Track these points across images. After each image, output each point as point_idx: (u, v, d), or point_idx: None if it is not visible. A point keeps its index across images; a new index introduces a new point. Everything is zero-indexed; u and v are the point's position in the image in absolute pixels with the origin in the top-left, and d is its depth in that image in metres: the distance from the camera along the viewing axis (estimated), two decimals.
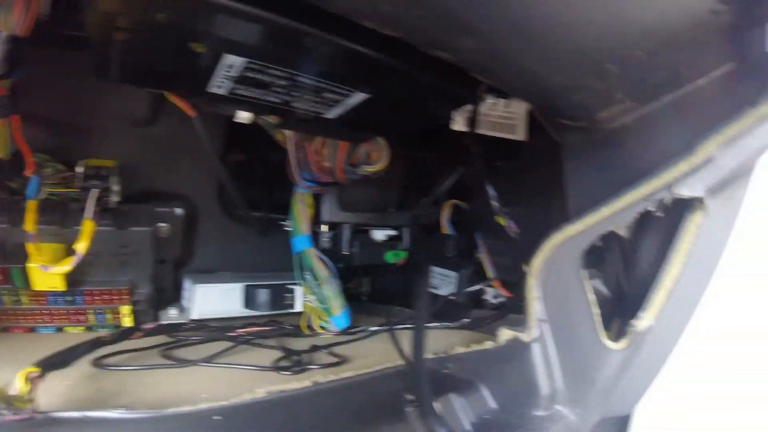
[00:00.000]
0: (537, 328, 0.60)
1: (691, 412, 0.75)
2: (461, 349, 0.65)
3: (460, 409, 0.59)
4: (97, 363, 0.65)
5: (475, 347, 0.64)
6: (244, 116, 0.69)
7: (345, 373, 0.63)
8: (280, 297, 0.86)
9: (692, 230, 0.54)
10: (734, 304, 0.72)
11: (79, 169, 0.75)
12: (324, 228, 0.88)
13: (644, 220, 0.61)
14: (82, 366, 0.64)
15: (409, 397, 0.56)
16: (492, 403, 0.61)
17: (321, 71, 0.58)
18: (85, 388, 0.60)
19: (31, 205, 0.70)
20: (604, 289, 0.67)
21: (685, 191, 0.51)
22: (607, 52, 0.47)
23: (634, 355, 0.56)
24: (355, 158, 0.82)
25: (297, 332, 0.83)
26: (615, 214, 0.54)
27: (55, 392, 0.57)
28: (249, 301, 0.85)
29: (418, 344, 0.60)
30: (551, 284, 0.60)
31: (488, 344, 0.63)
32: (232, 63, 0.55)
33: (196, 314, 0.82)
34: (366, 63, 0.55)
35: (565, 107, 0.58)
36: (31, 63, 0.62)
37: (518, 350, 0.61)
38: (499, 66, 0.51)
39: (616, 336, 0.58)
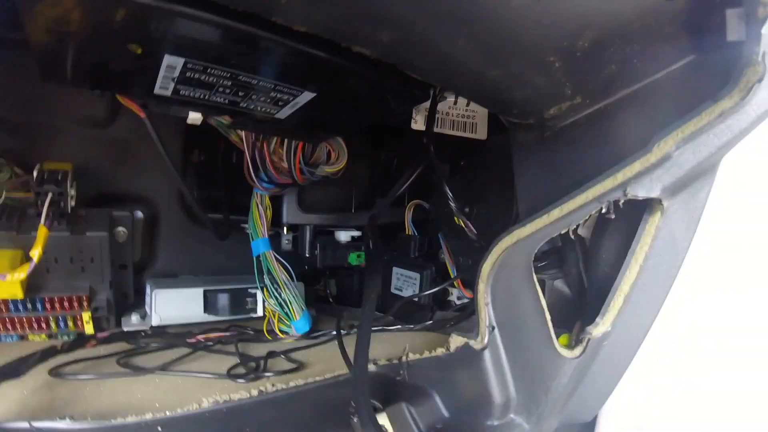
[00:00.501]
0: (488, 335, 0.54)
1: (666, 416, 0.70)
2: (414, 356, 0.59)
3: (410, 418, 0.53)
4: (54, 372, 0.61)
5: (428, 354, 0.58)
6: (193, 117, 0.63)
7: (296, 380, 0.58)
8: (242, 301, 0.80)
9: (650, 232, 0.48)
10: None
11: (35, 173, 0.68)
12: (285, 230, 0.83)
13: (605, 220, 0.56)
14: (40, 375, 0.60)
15: (354, 405, 0.51)
16: (444, 412, 0.56)
17: (261, 69, 0.53)
18: (40, 397, 0.56)
19: None
20: (566, 291, 0.61)
21: (641, 191, 0.45)
22: (546, 44, 0.41)
23: (590, 362, 0.50)
24: (314, 159, 0.76)
25: (258, 337, 0.77)
26: (566, 216, 0.48)
27: (10, 401, 0.53)
28: (210, 306, 0.79)
29: (361, 351, 0.54)
30: (502, 289, 0.54)
31: (440, 351, 0.57)
32: (173, 64, 0.51)
33: (156, 320, 0.76)
34: (305, 60, 0.50)
35: (510, 104, 0.52)
36: None
37: (469, 357, 0.55)
38: (426, 61, 0.44)
39: (577, 340, 0.52)
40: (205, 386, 0.59)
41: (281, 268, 0.78)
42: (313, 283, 0.97)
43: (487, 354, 0.54)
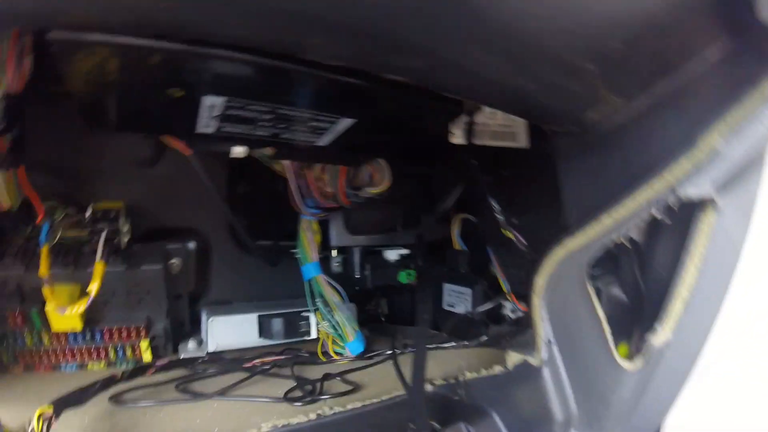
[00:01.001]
0: (546, 351, 0.54)
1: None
2: (471, 375, 0.59)
3: None
4: (114, 400, 0.64)
5: (485, 373, 0.58)
6: (238, 152, 0.67)
7: (353, 403, 0.60)
8: (295, 325, 0.82)
9: (705, 233, 0.47)
10: None
11: (88, 213, 0.74)
12: (334, 253, 0.85)
13: (657, 222, 0.55)
14: (100, 403, 0.63)
15: (413, 427, 0.51)
16: (504, 431, 0.55)
17: (298, 101, 0.55)
18: (101, 425, 0.59)
19: (44, 251, 0.69)
20: (622, 298, 0.60)
21: (692, 190, 0.44)
22: (578, 50, 0.41)
23: (652, 372, 0.49)
24: (357, 181, 0.78)
25: (313, 359, 0.79)
26: (617, 222, 0.48)
27: (72, 430, 0.56)
28: (264, 330, 0.81)
29: (418, 374, 0.55)
30: (557, 302, 0.54)
31: (497, 369, 0.57)
32: (213, 104, 0.54)
33: (212, 347, 0.79)
34: (341, 89, 0.52)
35: (547, 113, 0.52)
36: (32, 116, 0.62)
37: (528, 374, 0.55)
38: (460, 81, 0.45)
39: (637, 349, 0.51)
40: (263, 410, 0.61)
41: (333, 290, 0.80)
42: (365, 303, 0.99)
43: (546, 370, 0.54)
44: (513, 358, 0.56)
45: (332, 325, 0.79)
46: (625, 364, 0.49)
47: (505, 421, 0.56)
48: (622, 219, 0.47)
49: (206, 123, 0.58)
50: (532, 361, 0.55)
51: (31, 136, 0.65)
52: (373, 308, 1.01)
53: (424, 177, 0.88)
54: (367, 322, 0.92)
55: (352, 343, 0.78)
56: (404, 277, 0.89)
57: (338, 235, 0.84)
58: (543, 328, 0.54)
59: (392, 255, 0.89)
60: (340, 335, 0.78)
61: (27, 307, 0.71)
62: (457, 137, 0.71)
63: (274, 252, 0.86)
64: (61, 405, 0.54)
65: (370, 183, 0.78)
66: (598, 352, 0.51)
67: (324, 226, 0.85)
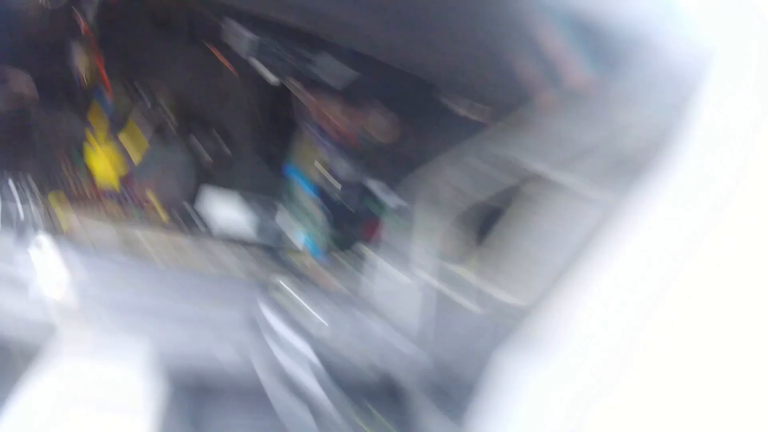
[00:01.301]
0: None
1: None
2: None
3: None
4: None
5: None
6: (271, 78, 0.86)
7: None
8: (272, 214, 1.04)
9: (569, 216, 0.57)
10: None
11: (145, 97, 0.96)
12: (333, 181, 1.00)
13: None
14: None
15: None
16: None
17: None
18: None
19: (103, 116, 0.94)
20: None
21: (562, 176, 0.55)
22: None
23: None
24: (367, 124, 0.95)
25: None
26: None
27: None
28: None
29: None
30: None
31: None
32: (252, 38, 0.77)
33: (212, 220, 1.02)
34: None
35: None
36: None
37: None
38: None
39: None
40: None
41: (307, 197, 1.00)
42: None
43: None
44: None
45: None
46: None
47: None
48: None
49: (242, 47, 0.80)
50: None
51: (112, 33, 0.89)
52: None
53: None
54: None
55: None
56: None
57: (339, 165, 1.00)
58: None
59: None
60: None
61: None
62: None
63: (280, 160, 1.04)
64: None
65: (376, 127, 0.94)
66: None
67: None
